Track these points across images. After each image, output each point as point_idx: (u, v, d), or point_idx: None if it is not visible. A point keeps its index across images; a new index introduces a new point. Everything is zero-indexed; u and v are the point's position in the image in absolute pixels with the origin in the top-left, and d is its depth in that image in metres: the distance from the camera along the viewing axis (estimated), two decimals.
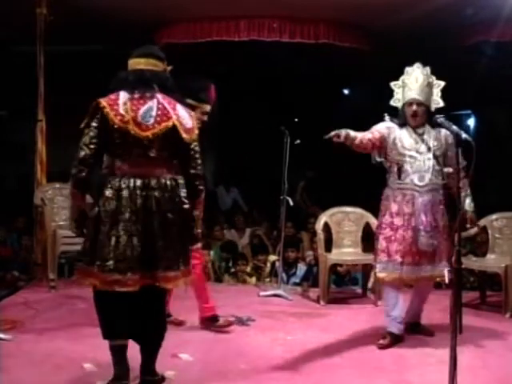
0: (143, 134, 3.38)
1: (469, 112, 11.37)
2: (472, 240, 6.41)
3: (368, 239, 6.47)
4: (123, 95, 3.42)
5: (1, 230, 7.69)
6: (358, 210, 6.22)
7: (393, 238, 4.39)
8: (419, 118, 4.38)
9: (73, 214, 3.55)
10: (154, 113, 3.41)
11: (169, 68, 3.67)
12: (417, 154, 4.37)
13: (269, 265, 7.14)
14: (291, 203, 6.30)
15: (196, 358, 4.20)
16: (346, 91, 12.15)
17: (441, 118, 3.72)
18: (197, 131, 3.55)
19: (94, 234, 3.41)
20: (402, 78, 4.45)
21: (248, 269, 7.02)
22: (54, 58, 6.46)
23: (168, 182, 3.44)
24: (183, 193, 3.50)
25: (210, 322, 4.82)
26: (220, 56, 8.46)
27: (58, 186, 6.49)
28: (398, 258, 4.35)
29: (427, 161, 4.35)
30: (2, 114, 9.77)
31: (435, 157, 4.36)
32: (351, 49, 7.64)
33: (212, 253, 7.31)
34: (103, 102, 3.38)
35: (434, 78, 4.43)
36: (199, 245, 4.88)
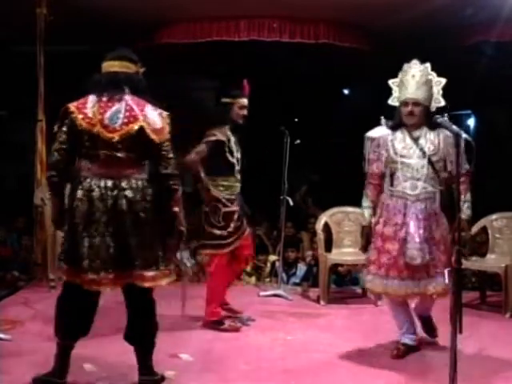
0: (110, 135, 3.45)
1: (469, 112, 11.37)
2: (472, 240, 6.40)
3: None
4: (92, 98, 3.52)
5: (1, 230, 7.69)
6: (358, 210, 6.19)
7: (381, 249, 4.15)
8: (416, 117, 4.10)
9: (53, 215, 3.70)
10: (121, 115, 3.48)
11: (141, 70, 3.71)
12: (410, 161, 4.11)
13: (269, 265, 7.15)
14: (291, 203, 6.31)
15: (196, 358, 4.21)
16: (345, 91, 12.15)
17: (441, 118, 3.67)
18: (167, 131, 3.56)
19: (70, 234, 3.50)
20: (399, 75, 4.24)
21: (248, 268, 7.01)
22: (54, 57, 6.45)
23: (139, 183, 3.50)
24: (156, 192, 3.54)
25: (216, 325, 4.85)
26: (220, 56, 8.46)
27: None
28: (383, 271, 4.10)
29: (421, 168, 4.08)
30: (2, 113, 9.77)
31: (431, 162, 4.08)
32: (351, 49, 7.64)
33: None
34: (72, 106, 3.50)
35: (434, 74, 4.21)
36: (232, 247, 4.88)
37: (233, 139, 4.82)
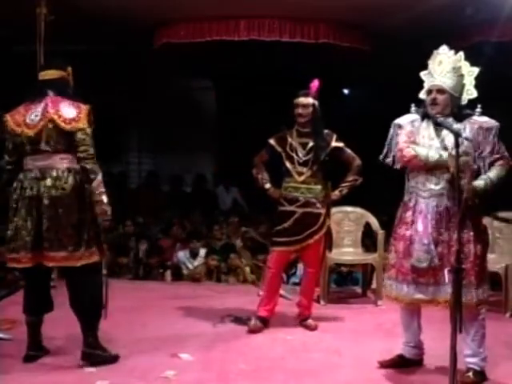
0: (29, 131, 3.98)
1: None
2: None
3: (369, 238, 6.47)
4: (22, 105, 4.12)
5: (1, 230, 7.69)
6: (358, 210, 6.23)
7: (394, 250, 3.88)
8: (439, 106, 3.72)
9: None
10: (39, 113, 3.99)
11: (67, 72, 4.21)
12: None
13: None
14: None
15: (196, 358, 4.21)
16: (345, 91, 12.15)
17: (440, 118, 3.64)
18: (83, 122, 3.95)
19: (8, 220, 4.06)
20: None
21: (248, 266, 7.01)
22: (54, 57, 6.45)
23: (59, 172, 3.95)
24: (77, 180, 3.96)
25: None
26: (220, 56, 8.46)
27: None
28: (393, 274, 3.85)
29: (435, 161, 3.71)
30: (2, 113, 9.77)
31: (451, 156, 3.60)
32: (351, 49, 7.64)
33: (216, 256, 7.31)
34: (6, 115, 4.12)
35: (467, 64, 3.83)
36: (284, 248, 4.86)
37: (296, 141, 4.90)
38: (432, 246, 3.69)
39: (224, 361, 4.19)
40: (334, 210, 6.27)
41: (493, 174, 3.74)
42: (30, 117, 4.02)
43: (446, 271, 3.42)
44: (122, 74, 9.10)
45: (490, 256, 5.78)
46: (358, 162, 5.00)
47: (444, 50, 3.85)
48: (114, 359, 4.07)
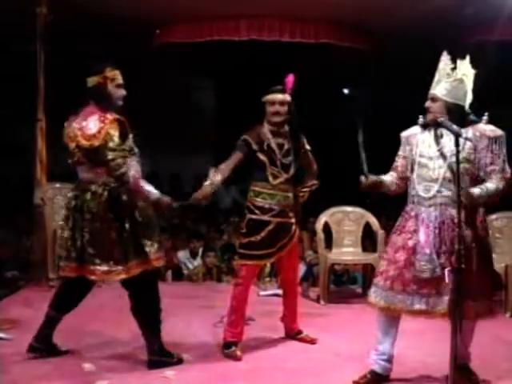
0: (70, 143, 3.97)
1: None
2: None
3: (369, 239, 6.47)
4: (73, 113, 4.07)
5: (1, 230, 7.69)
6: (358, 210, 6.24)
7: (392, 259, 3.73)
8: (432, 115, 3.67)
9: None
10: (75, 127, 3.95)
11: (106, 74, 3.98)
12: (426, 161, 3.71)
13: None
14: None
15: (196, 358, 4.21)
16: (346, 91, 12.15)
17: (441, 118, 3.62)
18: (104, 136, 3.82)
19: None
20: None
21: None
22: (54, 57, 6.45)
23: (97, 186, 3.92)
24: (113, 195, 3.93)
25: (223, 349, 4.39)
26: (220, 56, 8.47)
27: (57, 185, 6.49)
28: (388, 284, 3.70)
29: (437, 169, 3.66)
30: (2, 113, 9.78)
31: (450, 164, 3.59)
32: (351, 49, 7.64)
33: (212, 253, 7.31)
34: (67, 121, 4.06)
35: (468, 67, 3.70)
36: (260, 261, 4.46)
37: (273, 142, 4.41)
38: (434, 256, 3.59)
39: (224, 361, 4.19)
40: (334, 209, 6.30)
41: (490, 184, 3.59)
42: (70, 128, 3.98)
43: (446, 271, 3.39)
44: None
45: None
46: (315, 166, 4.64)
47: (443, 56, 3.74)
48: (179, 363, 4.05)
